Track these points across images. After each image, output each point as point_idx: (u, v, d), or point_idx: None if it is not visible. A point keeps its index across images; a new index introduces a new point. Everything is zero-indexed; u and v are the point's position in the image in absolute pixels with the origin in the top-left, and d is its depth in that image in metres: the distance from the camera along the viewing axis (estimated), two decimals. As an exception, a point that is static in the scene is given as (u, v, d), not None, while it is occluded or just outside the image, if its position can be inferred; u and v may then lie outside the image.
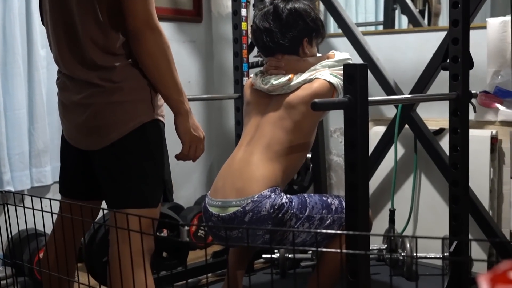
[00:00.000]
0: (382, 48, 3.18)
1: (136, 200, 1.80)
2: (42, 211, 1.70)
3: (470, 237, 2.63)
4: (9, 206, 1.83)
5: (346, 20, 3.07)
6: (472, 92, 2.33)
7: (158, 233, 2.63)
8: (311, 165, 3.29)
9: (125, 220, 1.54)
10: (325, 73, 2.20)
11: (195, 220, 3.40)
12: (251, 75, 2.42)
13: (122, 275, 1.71)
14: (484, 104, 2.82)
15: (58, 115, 1.94)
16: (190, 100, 1.90)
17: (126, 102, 1.78)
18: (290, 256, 2.86)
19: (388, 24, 3.67)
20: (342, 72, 1.81)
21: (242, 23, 3.14)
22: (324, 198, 2.18)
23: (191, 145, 1.88)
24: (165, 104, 1.87)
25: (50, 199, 1.74)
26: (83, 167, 1.91)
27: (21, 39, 2.90)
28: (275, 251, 2.85)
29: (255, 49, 3.13)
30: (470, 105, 2.34)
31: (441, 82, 2.59)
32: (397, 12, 3.66)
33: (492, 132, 2.81)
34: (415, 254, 2.81)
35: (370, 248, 2.83)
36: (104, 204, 1.93)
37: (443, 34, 2.59)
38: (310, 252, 2.94)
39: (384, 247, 2.95)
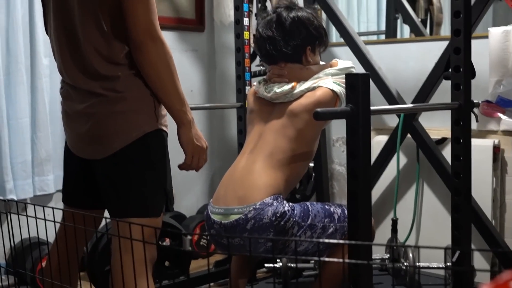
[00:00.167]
0: (384, 57, 3.18)
1: (139, 209, 1.80)
2: (45, 219, 1.70)
3: (472, 247, 2.63)
4: (11, 214, 1.83)
5: (348, 29, 3.07)
6: (474, 101, 2.33)
7: (160, 242, 2.63)
8: (314, 174, 3.29)
9: (128, 229, 1.54)
10: (328, 81, 2.21)
11: (197, 229, 3.40)
12: (254, 84, 2.43)
13: (124, 284, 1.71)
14: (486, 114, 2.82)
15: (61, 124, 1.95)
16: (192, 109, 1.90)
17: (129, 112, 1.78)
18: (292, 265, 2.85)
19: (390, 34, 3.68)
20: (345, 80, 1.82)
21: (244, 32, 3.15)
22: (327, 207, 2.18)
23: (194, 155, 1.88)
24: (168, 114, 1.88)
25: (53, 208, 1.74)
26: (86, 176, 1.91)
27: (24, 48, 2.91)
28: (277, 260, 2.85)
29: (257, 58, 3.14)
30: (472, 114, 2.34)
31: (443, 91, 2.59)
32: (399, 21, 3.67)
33: (494, 141, 2.81)
34: (417, 264, 2.80)
35: (373, 257, 2.83)
36: (106, 213, 1.93)
37: (445, 44, 2.60)
38: (313, 261, 2.93)
39: (387, 257, 2.95)
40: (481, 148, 2.76)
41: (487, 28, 2.85)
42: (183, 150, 1.88)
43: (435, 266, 2.81)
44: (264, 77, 2.39)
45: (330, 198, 3.46)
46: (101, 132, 1.79)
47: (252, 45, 3.15)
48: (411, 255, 2.80)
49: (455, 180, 2.31)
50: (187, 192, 3.71)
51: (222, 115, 3.92)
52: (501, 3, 2.18)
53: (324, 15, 3.24)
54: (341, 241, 2.09)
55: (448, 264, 2.67)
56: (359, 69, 2.76)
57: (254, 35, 3.08)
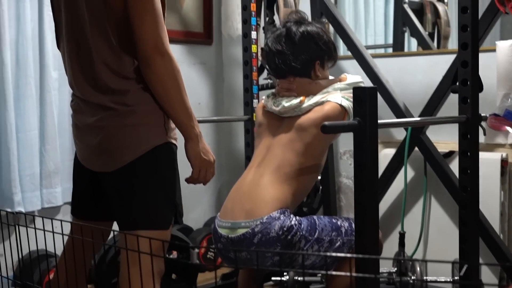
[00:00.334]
0: (391, 70, 3.18)
1: (147, 221, 1.81)
2: (53, 232, 1.71)
3: (480, 261, 2.62)
4: (20, 227, 1.84)
5: (356, 42, 3.08)
6: (482, 115, 2.33)
7: (167, 255, 2.63)
8: (321, 187, 3.29)
9: (136, 242, 1.54)
10: (336, 96, 2.21)
11: (204, 242, 3.39)
12: (263, 97, 2.43)
13: (132, 297, 1.71)
14: (494, 127, 2.81)
15: (69, 137, 1.96)
16: (200, 122, 1.91)
17: (140, 125, 1.80)
18: (299, 279, 2.84)
19: (398, 47, 3.68)
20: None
21: (252, 45, 3.16)
22: (334, 220, 2.18)
23: (201, 169, 1.88)
24: (176, 128, 1.89)
25: (61, 221, 1.75)
26: (95, 189, 1.92)
27: (33, 61, 2.93)
28: (284, 273, 2.84)
29: (265, 71, 3.15)
30: (480, 128, 2.34)
31: (451, 104, 2.60)
32: (406, 34, 3.67)
33: (502, 155, 2.80)
34: (425, 277, 2.79)
35: (380, 271, 2.82)
36: (115, 225, 1.93)
37: (452, 57, 2.60)
38: (320, 275, 2.92)
39: (394, 271, 2.93)
40: (489, 162, 2.76)
41: (495, 41, 2.85)
42: (190, 164, 1.88)
43: (443, 280, 2.80)
44: (273, 91, 2.40)
45: (338, 211, 3.46)
46: (111, 145, 1.80)
47: (260, 58, 3.17)
48: (418, 269, 2.79)
49: (463, 194, 2.30)
50: (194, 205, 3.72)
51: (229, 128, 3.93)
52: (509, 16, 2.18)
53: (331, 29, 3.25)
54: (348, 255, 2.09)
55: (455, 278, 2.65)
56: (366, 82, 2.76)
57: (262, 49, 3.11)
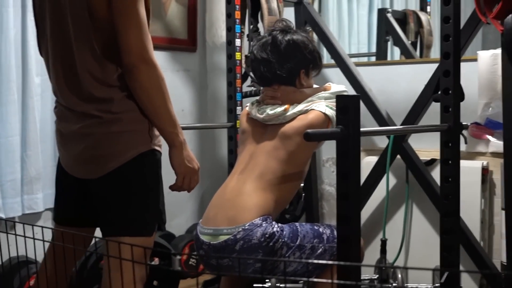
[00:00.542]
0: (374, 79, 3.20)
1: (132, 228, 1.81)
2: (34, 238, 1.70)
3: (461, 268, 2.63)
4: (0, 233, 1.83)
5: (339, 51, 3.10)
6: (463, 123, 2.35)
7: (149, 262, 2.62)
8: (303, 194, 3.30)
9: (119, 248, 1.54)
10: (320, 104, 2.22)
11: (186, 249, 3.38)
12: (246, 105, 2.44)
13: (114, 304, 1.70)
14: (475, 136, 2.85)
15: (51, 143, 1.95)
16: (183, 128, 1.91)
17: (125, 133, 1.79)
18: (281, 285, 2.84)
19: (381, 56, 3.71)
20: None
21: (236, 53, 3.17)
22: (316, 227, 2.18)
23: (185, 176, 1.88)
24: (161, 135, 1.89)
25: (42, 227, 1.73)
26: (79, 195, 1.92)
27: (16, 66, 2.91)
28: (266, 280, 2.84)
29: (249, 79, 3.16)
30: (461, 136, 2.36)
31: (433, 113, 2.62)
32: (389, 43, 3.70)
33: (483, 163, 2.83)
34: (406, 284, 2.80)
35: (362, 278, 2.82)
36: (97, 232, 1.92)
37: (435, 66, 2.62)
38: (302, 282, 2.92)
39: (376, 278, 2.94)
40: (470, 170, 2.78)
41: (476, 51, 2.88)
42: (175, 172, 1.88)
43: (424, 287, 2.81)
44: (257, 98, 2.40)
45: (320, 219, 3.46)
46: (97, 152, 1.80)
47: (244, 66, 3.17)
48: (399, 276, 2.80)
49: (444, 202, 2.32)
50: (177, 212, 3.70)
51: (213, 135, 3.93)
52: (490, 26, 2.21)
53: (315, 37, 3.26)
54: (330, 262, 2.09)
55: (436, 285, 2.66)
56: (349, 90, 2.78)
57: (246, 56, 3.12)
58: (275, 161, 2.20)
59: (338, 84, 2.39)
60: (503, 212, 2.25)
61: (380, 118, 2.95)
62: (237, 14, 3.15)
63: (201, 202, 3.87)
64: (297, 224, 2.18)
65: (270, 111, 2.26)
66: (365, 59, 3.97)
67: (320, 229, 2.18)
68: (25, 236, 1.71)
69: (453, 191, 2.30)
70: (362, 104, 1.90)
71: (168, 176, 1.92)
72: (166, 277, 2.69)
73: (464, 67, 2.34)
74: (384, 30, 3.68)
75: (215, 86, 3.90)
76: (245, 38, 3.22)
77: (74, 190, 1.93)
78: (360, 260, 1.98)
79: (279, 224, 2.12)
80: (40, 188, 3.04)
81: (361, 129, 1.77)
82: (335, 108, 2.16)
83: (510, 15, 2.03)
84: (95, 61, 1.78)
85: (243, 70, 3.19)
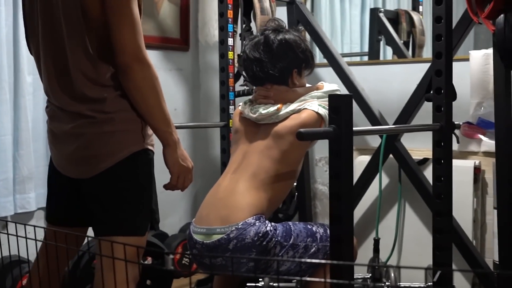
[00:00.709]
0: (367, 78, 3.21)
1: (125, 228, 1.81)
2: (26, 238, 1.69)
3: (453, 267, 2.64)
4: (-8, 232, 1.82)
5: (332, 50, 3.11)
6: (455, 123, 2.36)
7: (142, 261, 2.62)
8: (296, 193, 3.30)
9: (111, 248, 1.54)
10: (313, 104, 2.22)
11: (179, 248, 3.38)
12: (239, 104, 2.44)
13: (106, 303, 1.70)
14: (467, 135, 2.86)
15: (43, 142, 1.94)
16: (176, 128, 1.91)
17: (117, 132, 1.79)
18: (274, 285, 2.84)
19: (373, 55, 3.71)
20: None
21: (229, 52, 3.16)
22: (309, 226, 2.19)
23: (180, 175, 1.89)
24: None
25: (34, 226, 1.73)
26: (71, 195, 1.91)
27: (7, 65, 2.90)
28: (260, 280, 2.84)
29: (241, 78, 3.16)
30: (453, 135, 2.36)
31: (425, 113, 2.62)
32: (382, 43, 3.71)
33: (475, 162, 2.84)
34: (399, 283, 2.80)
35: (355, 277, 2.83)
36: (90, 231, 1.92)
37: (427, 66, 2.63)
38: (295, 281, 2.92)
39: (369, 277, 2.95)
40: (462, 169, 2.79)
41: (468, 51, 2.89)
42: (169, 171, 1.88)
43: (417, 286, 2.82)
44: (250, 97, 2.40)
45: (313, 218, 3.47)
46: (89, 152, 1.80)
47: (236, 65, 3.17)
48: (392, 275, 2.81)
49: (437, 201, 2.33)
50: (170, 211, 3.70)
51: (205, 134, 3.93)
52: (482, 26, 2.21)
53: (308, 36, 3.27)
54: (323, 261, 2.10)
55: (429, 284, 2.68)
56: (342, 90, 2.78)
57: (238, 55, 3.11)
58: (268, 160, 2.20)
59: (331, 84, 2.39)
60: (495, 211, 2.26)
61: (372, 117, 2.95)
62: (230, 13, 3.15)
63: (194, 201, 3.87)
64: (290, 223, 2.18)
65: (263, 110, 2.26)
66: (357, 59, 3.97)
67: (313, 228, 2.18)
68: (17, 236, 1.71)
69: (445, 191, 2.30)
70: (354, 104, 1.91)
71: (161, 175, 1.92)
72: (159, 276, 2.69)
73: (456, 66, 2.35)
74: (377, 30, 3.68)
75: (207, 85, 3.90)
76: (238, 37, 3.22)
77: (66, 190, 1.92)
78: (353, 259, 1.98)
79: (273, 223, 2.12)
80: (33, 187, 3.03)
81: (354, 128, 1.78)
82: (327, 107, 2.18)
83: (502, 15, 2.04)
84: (88, 61, 1.77)
85: (236, 69, 3.19)
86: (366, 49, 3.87)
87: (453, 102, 2.33)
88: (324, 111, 2.19)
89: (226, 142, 3.15)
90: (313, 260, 2.12)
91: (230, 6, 3.14)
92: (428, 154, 2.83)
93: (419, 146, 3.01)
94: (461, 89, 2.41)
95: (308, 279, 2.19)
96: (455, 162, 2.40)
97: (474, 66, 2.82)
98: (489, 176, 2.84)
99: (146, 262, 2.75)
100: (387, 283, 2.85)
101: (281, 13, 3.25)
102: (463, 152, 2.92)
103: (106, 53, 1.77)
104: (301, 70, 2.33)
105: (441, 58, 2.28)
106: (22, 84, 2.95)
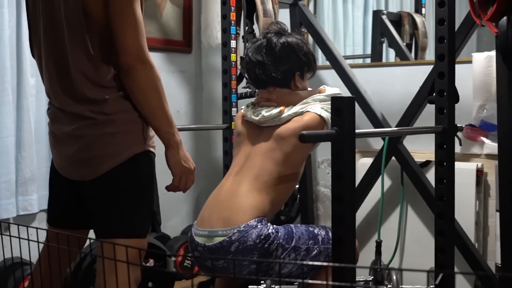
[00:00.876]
0: (369, 80, 3.21)
1: (126, 230, 1.80)
2: (28, 240, 1.69)
3: (455, 269, 2.64)
4: (-5, 234, 1.82)
5: (334, 52, 3.11)
6: (458, 125, 2.36)
7: (144, 263, 2.62)
8: (298, 195, 3.30)
9: (113, 250, 1.54)
10: (316, 106, 2.23)
11: (181, 250, 3.38)
12: (242, 106, 2.44)
13: (108, 305, 1.70)
14: (469, 137, 2.85)
15: (46, 144, 1.95)
16: (178, 130, 1.91)
17: (118, 134, 1.79)
18: (276, 287, 2.84)
19: (376, 57, 3.71)
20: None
21: (232, 54, 3.16)
22: (311, 229, 2.19)
23: (182, 176, 1.89)
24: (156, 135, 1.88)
25: (36, 228, 1.73)
26: (72, 197, 1.91)
27: (11, 67, 2.90)
28: (261, 282, 2.84)
29: (244, 80, 3.16)
30: (456, 138, 2.36)
31: (428, 115, 2.62)
32: (384, 45, 3.71)
33: (477, 165, 2.84)
34: (401, 286, 2.80)
35: (357, 280, 2.83)
36: (91, 233, 1.92)
37: (429, 68, 2.63)
38: (297, 283, 2.92)
39: (371, 279, 2.95)
40: (464, 172, 2.78)
41: (471, 53, 2.88)
42: (171, 172, 1.88)
43: (419, 288, 2.82)
44: (253, 100, 2.41)
45: (315, 220, 3.46)
46: (90, 154, 1.80)
47: (239, 67, 3.17)
48: (394, 277, 2.81)
49: (439, 203, 2.32)
50: (172, 213, 3.70)
51: (208, 137, 3.93)
52: (485, 29, 2.21)
53: (310, 39, 3.27)
54: (325, 263, 2.09)
55: (431, 286, 2.67)
56: (344, 92, 2.78)
57: (241, 58, 3.11)
58: (270, 162, 2.20)
59: (333, 87, 2.39)
60: (498, 213, 2.25)
61: (375, 119, 2.95)
62: (233, 16, 3.15)
63: (196, 203, 3.87)
64: (292, 225, 2.18)
65: (265, 113, 2.26)
66: (360, 61, 3.97)
67: (315, 231, 2.18)
68: (19, 238, 1.71)
69: (447, 193, 2.30)
70: (357, 106, 1.91)
71: (163, 176, 1.92)
72: (161, 278, 2.69)
73: (459, 69, 2.35)
74: (379, 32, 3.69)
75: (210, 87, 3.90)
76: (241, 40, 3.22)
77: (67, 191, 1.92)
78: (355, 261, 1.98)
79: (274, 226, 2.12)
80: (35, 189, 3.03)
81: (356, 130, 1.78)
82: (330, 110, 2.18)
83: (505, 17, 2.04)
84: (89, 62, 1.77)
85: (239, 72, 3.19)
86: (368, 51, 3.87)
87: (456, 105, 2.33)
88: (326, 114, 2.19)
89: (228, 144, 3.15)
90: (315, 263, 2.12)
91: (233, 8, 3.14)
92: (431, 156, 2.83)
93: (421, 148, 3.01)
94: (463, 91, 2.41)
95: (310, 281, 2.19)
96: (458, 165, 2.40)
97: (477, 68, 2.82)
98: (492, 178, 2.83)
99: (148, 264, 2.75)
100: (389, 286, 2.85)
101: (284, 15, 3.25)
102: (466, 155, 2.91)
103: (107, 55, 1.77)
104: (304, 73, 2.33)
105: (443, 60, 2.28)
106: (25, 85, 2.95)
